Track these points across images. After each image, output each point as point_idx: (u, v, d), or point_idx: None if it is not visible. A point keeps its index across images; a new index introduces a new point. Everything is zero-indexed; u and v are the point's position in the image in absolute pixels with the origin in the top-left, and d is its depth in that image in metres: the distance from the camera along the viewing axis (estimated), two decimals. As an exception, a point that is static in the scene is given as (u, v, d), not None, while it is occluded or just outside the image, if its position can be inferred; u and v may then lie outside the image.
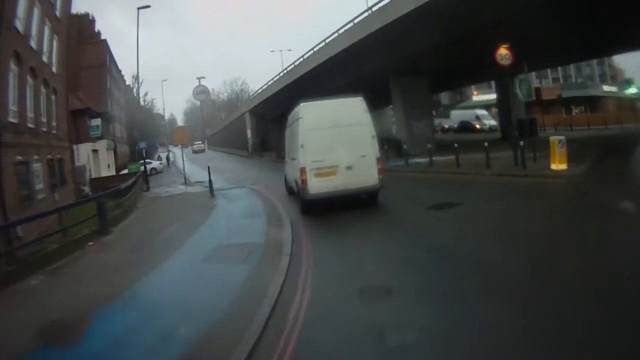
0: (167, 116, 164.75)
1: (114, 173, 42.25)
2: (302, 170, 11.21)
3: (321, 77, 29.58)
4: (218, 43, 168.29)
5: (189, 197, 21.98)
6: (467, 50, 21.13)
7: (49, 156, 20.83)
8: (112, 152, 46.99)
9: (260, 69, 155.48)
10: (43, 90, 20.87)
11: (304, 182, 11.25)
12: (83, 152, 36.56)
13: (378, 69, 25.67)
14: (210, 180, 20.49)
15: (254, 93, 61.87)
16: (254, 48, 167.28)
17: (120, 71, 68.20)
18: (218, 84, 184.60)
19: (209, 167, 21.64)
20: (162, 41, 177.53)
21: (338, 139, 11.18)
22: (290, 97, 25.36)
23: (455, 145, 19.03)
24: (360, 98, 11.99)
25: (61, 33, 25.09)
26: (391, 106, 33.42)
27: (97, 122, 38.42)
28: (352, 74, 27.25)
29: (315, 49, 29.48)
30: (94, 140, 38.63)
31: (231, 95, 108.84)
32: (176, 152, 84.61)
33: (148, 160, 43.33)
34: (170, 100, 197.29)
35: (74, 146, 36.74)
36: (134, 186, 24.76)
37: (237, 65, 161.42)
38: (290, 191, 15.05)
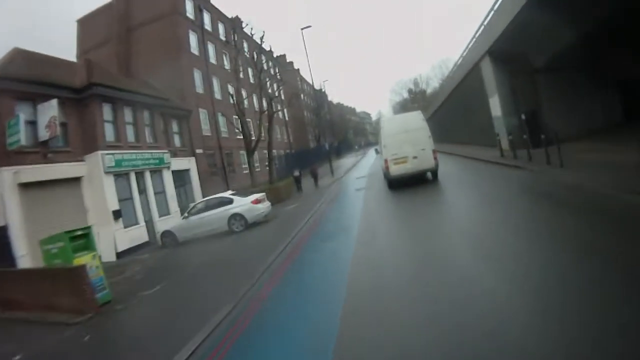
0: (373, 115, 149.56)
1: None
2: (386, 161, 16.50)
3: None
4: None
5: None
6: None
7: None
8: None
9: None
10: None
11: (387, 167, 16.48)
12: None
13: None
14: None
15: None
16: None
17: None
18: (426, 70, 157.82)
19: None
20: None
21: (406, 140, 16.18)
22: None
23: None
24: (419, 111, 18.86)
25: None
26: None
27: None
28: None
29: None
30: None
31: (443, 81, 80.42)
32: (371, 154, 61.74)
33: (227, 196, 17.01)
34: (373, 98, 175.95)
35: None
36: None
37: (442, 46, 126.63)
38: (384, 176, 18.30)
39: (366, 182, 21.59)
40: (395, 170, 16.25)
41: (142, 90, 21.45)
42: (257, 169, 32.83)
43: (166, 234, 16.56)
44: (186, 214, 16.41)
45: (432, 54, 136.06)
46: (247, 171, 29.82)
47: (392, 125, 17.58)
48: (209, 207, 15.97)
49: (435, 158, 16.16)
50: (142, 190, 19.16)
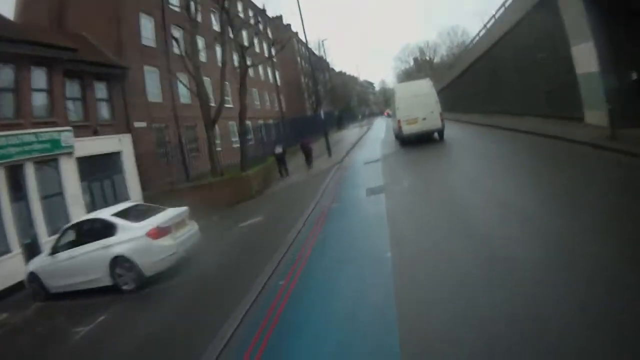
0: (377, 84, 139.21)
1: None
2: (399, 121, 18.50)
3: None
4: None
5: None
6: None
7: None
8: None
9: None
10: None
11: (400, 127, 18.53)
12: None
13: None
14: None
15: None
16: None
17: None
18: (432, 36, 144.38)
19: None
20: None
21: (416, 103, 17.92)
22: None
23: None
24: (428, 79, 20.72)
25: None
26: None
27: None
28: None
29: None
30: None
31: (451, 49, 75.54)
32: (379, 125, 52.20)
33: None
34: (376, 67, 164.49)
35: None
36: None
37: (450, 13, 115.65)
38: (395, 136, 21.62)
39: (383, 173, 13.43)
40: (407, 129, 18.38)
41: (40, 39, 13.77)
42: (234, 145, 25.41)
43: (32, 277, 9.32)
44: (51, 249, 9.03)
45: (439, 21, 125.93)
46: (219, 149, 22.47)
47: (404, 90, 19.65)
48: (80, 237, 8.57)
49: (442, 120, 18.22)
50: (20, 196, 11.81)
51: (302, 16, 41.48)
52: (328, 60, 69.56)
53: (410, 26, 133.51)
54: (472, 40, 28.18)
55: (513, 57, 19.08)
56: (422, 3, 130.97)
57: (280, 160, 18.41)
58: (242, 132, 18.09)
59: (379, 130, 39.09)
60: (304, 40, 28.63)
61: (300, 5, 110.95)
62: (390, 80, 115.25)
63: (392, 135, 23.85)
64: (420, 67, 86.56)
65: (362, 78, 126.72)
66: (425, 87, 18.76)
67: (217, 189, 14.67)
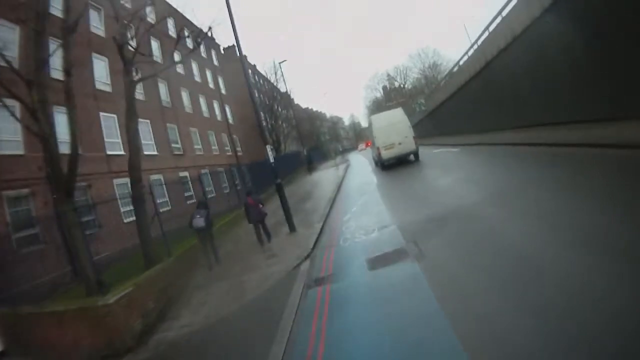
0: (346, 119, 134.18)
1: None
2: (378, 148, 21.39)
3: None
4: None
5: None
6: None
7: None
8: None
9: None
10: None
11: (379, 153, 21.35)
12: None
13: None
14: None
15: None
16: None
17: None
18: (403, 59, 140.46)
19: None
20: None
21: (392, 130, 20.83)
22: None
23: None
24: (400, 108, 23.54)
25: None
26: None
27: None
28: None
29: None
30: None
31: (424, 71, 75.90)
32: (359, 162, 43.84)
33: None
34: (343, 101, 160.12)
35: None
36: None
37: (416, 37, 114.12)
38: (375, 163, 25.45)
39: (451, 323, 4.20)
40: (386, 154, 21.05)
41: None
42: (165, 208, 17.70)
43: None
44: None
45: (407, 45, 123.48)
46: (131, 218, 14.65)
47: (380, 120, 22.46)
48: None
49: (415, 143, 20.89)
50: None
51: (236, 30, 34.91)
52: (289, 89, 63.44)
53: (380, 53, 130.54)
54: (486, 27, 20.35)
55: (579, 29, 11.63)
56: (391, 28, 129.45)
57: (203, 238, 10.88)
58: (138, 198, 10.39)
59: (363, 169, 29.40)
60: (249, 62, 22.10)
61: (263, 46, 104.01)
62: (361, 113, 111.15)
63: (399, 183, 16.07)
64: (389, 96, 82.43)
65: (330, 113, 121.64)
66: (398, 116, 21.72)
67: (68, 325, 7.13)
